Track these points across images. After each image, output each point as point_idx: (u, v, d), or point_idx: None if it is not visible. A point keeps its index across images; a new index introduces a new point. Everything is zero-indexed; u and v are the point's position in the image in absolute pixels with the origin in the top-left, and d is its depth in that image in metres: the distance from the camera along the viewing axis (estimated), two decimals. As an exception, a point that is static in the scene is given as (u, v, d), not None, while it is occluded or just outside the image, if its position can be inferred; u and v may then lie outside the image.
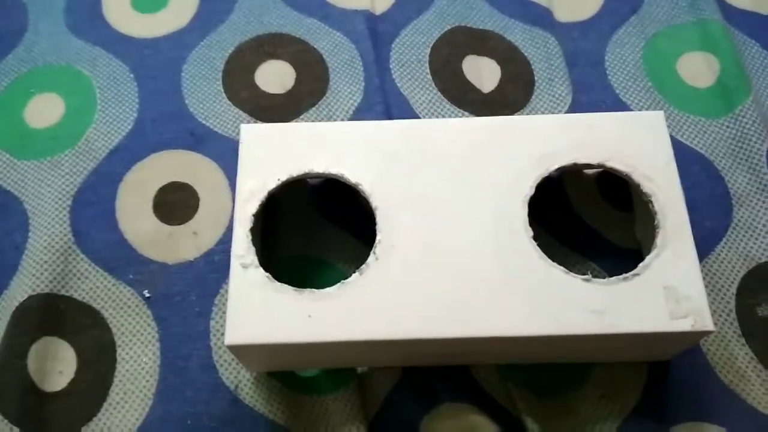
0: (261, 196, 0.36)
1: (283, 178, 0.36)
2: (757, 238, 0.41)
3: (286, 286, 0.33)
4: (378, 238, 0.35)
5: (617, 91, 0.46)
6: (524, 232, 0.35)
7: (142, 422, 0.37)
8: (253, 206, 0.35)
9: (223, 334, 0.38)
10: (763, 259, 0.40)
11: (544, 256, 0.34)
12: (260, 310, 0.33)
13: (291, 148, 0.37)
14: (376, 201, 0.36)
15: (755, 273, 0.40)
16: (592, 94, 0.46)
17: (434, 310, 0.33)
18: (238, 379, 0.38)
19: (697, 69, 0.46)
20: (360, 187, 0.36)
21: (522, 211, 0.35)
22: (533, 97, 0.46)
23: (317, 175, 0.37)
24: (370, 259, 0.34)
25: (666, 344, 0.35)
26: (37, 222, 0.42)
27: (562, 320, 0.32)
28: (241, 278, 0.34)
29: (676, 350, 0.36)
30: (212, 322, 0.39)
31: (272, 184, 0.36)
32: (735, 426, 0.37)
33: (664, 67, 0.47)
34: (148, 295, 0.40)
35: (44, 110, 0.46)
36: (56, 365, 0.38)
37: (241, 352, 0.34)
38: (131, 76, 0.47)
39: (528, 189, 0.36)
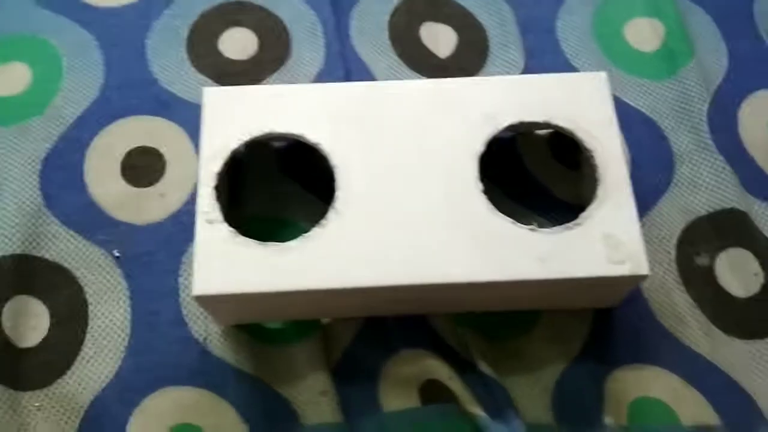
0: (224, 155, 0.37)
1: (245, 138, 0.38)
2: (697, 194, 0.43)
3: (251, 240, 0.35)
4: (337, 194, 0.36)
5: (568, 56, 0.48)
6: (474, 186, 0.37)
7: (114, 374, 0.39)
8: (217, 165, 0.37)
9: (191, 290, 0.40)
10: (702, 213, 0.43)
11: (493, 208, 0.36)
12: (226, 263, 0.35)
13: (253, 109, 0.39)
14: (335, 159, 0.37)
15: (695, 225, 0.43)
16: (544, 59, 0.48)
17: (390, 259, 0.35)
18: (207, 332, 0.40)
19: (643, 34, 0.48)
20: (319, 146, 0.38)
21: (473, 167, 0.37)
22: (487, 62, 0.47)
23: (278, 136, 0.38)
24: (330, 213, 0.36)
25: (607, 289, 0.37)
26: (7, 186, 0.43)
27: (509, 267, 0.35)
28: (207, 233, 0.35)
29: (619, 296, 0.39)
30: (181, 279, 0.41)
31: (235, 144, 0.38)
32: (675, 367, 0.40)
33: (612, 32, 0.49)
34: (117, 254, 0.41)
35: (10, 78, 0.47)
36: (29, 321, 0.40)
37: (208, 303, 0.36)
38: (96, 44, 0.48)
39: (479, 146, 0.38)
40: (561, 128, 0.38)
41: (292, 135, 0.38)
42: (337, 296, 0.36)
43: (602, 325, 0.40)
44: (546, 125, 0.39)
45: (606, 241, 0.35)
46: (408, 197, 0.36)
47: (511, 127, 0.39)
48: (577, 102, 0.39)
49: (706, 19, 0.49)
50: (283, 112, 0.39)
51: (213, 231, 0.35)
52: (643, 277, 0.35)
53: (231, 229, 0.35)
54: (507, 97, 0.39)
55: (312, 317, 0.40)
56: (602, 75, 0.40)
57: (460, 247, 0.35)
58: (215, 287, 0.34)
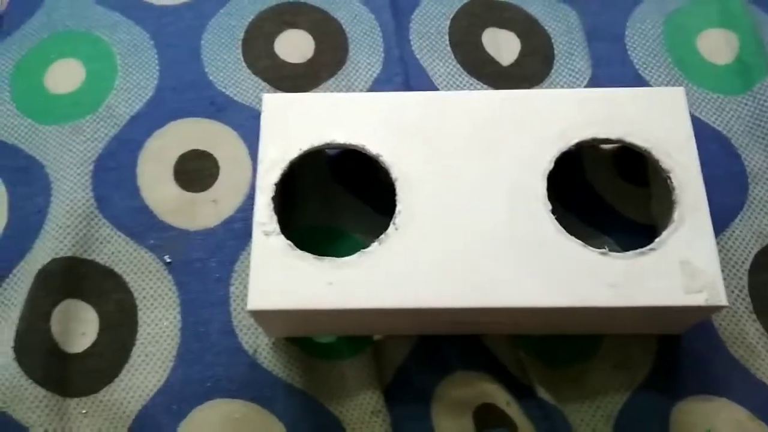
0: (282, 165, 0.36)
1: (305, 147, 0.37)
2: (771, 216, 0.41)
3: (307, 254, 0.34)
4: (398, 208, 0.35)
5: (636, 67, 0.46)
6: (542, 205, 0.35)
7: (163, 384, 0.38)
8: (275, 175, 0.36)
9: (243, 300, 0.39)
10: (777, 237, 0.41)
11: (562, 229, 0.34)
12: (282, 277, 0.34)
13: (312, 118, 0.37)
14: (396, 172, 0.36)
15: (769, 250, 0.40)
16: (612, 70, 0.46)
17: (452, 280, 0.33)
18: (257, 344, 0.39)
19: (717, 46, 0.46)
20: (381, 158, 0.36)
21: (541, 185, 0.35)
22: (552, 71, 0.46)
23: (338, 146, 0.37)
24: (390, 229, 0.35)
25: (679, 318, 0.36)
26: (60, 186, 0.42)
27: (577, 292, 0.33)
28: (264, 245, 0.34)
29: (688, 324, 0.37)
30: (232, 288, 0.40)
31: (294, 154, 0.37)
32: (743, 399, 0.38)
33: (684, 43, 0.46)
34: (168, 260, 0.41)
35: (65, 76, 0.46)
36: (79, 327, 0.39)
37: (263, 317, 0.35)
38: (151, 43, 0.47)
39: (547, 163, 0.36)
40: (636, 146, 0.36)
41: (353, 146, 0.37)
42: (394, 315, 0.35)
43: (668, 353, 0.38)
44: (619, 142, 0.37)
45: (682, 268, 0.33)
46: (471, 215, 0.35)
47: (580, 143, 0.37)
48: (653, 119, 0.37)
49: (782, 31, 0.47)
50: (343, 121, 0.37)
51: (270, 243, 0.34)
52: (719, 308, 0.33)
53: (288, 242, 0.34)
54: (578, 112, 0.37)
55: (365, 333, 0.39)
56: (680, 91, 0.38)
57: (526, 270, 0.33)
58: (270, 302, 0.33)
